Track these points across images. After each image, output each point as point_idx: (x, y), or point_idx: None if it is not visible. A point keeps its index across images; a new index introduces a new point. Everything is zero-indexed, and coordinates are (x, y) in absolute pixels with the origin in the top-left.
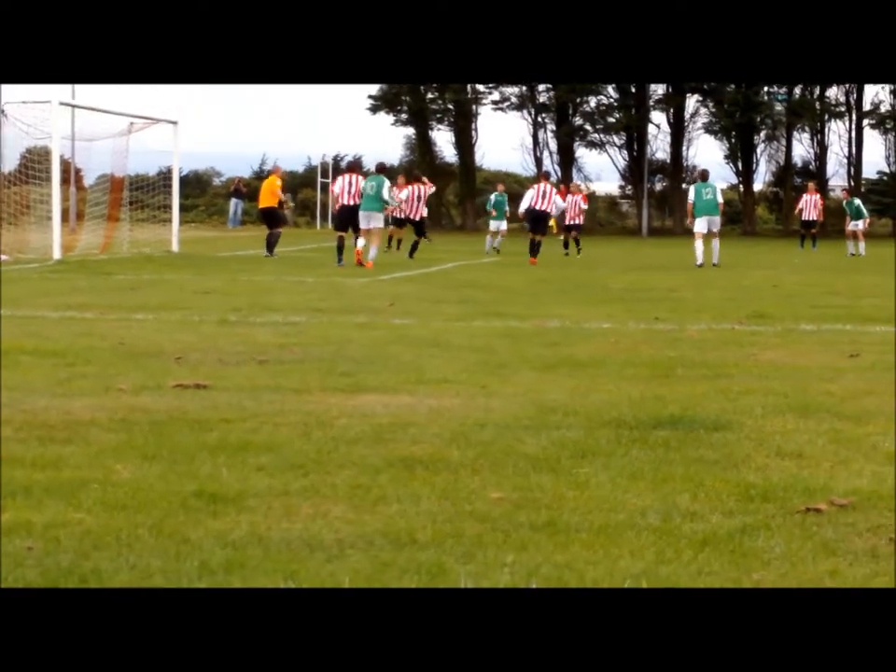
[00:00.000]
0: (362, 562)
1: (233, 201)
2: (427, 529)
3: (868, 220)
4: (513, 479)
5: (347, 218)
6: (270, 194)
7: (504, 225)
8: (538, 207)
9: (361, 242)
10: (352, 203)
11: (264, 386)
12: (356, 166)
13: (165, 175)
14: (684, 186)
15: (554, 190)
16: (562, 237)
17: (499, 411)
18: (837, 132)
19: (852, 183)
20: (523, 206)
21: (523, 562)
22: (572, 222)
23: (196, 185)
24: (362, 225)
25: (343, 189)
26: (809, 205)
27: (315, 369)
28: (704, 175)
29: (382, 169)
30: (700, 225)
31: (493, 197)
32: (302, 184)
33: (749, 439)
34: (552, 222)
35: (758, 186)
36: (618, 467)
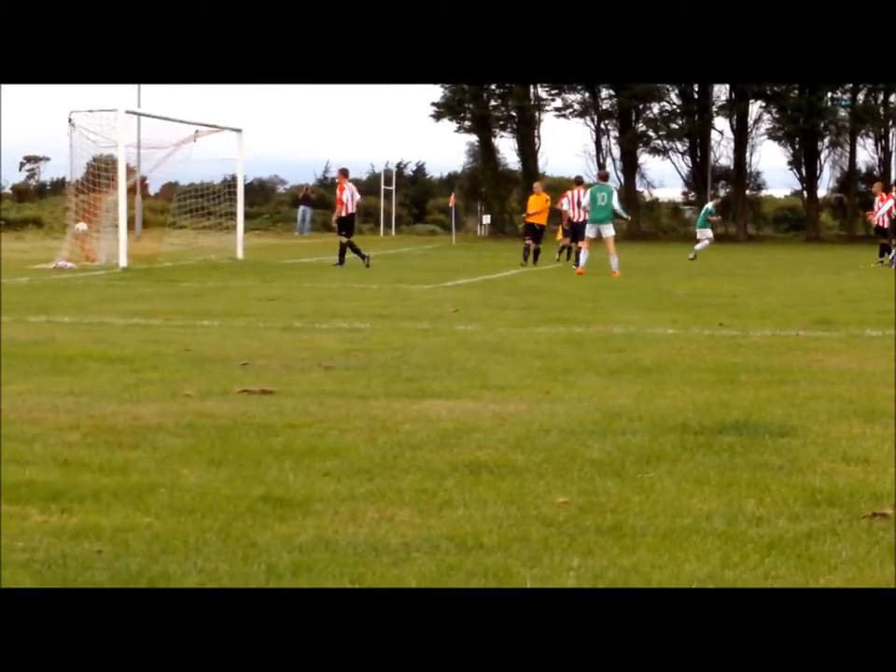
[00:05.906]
0: (428, 565)
1: (301, 208)
2: (492, 533)
3: None
4: (578, 483)
5: (350, 225)
6: (541, 209)
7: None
8: (574, 219)
9: (585, 255)
10: (353, 211)
11: (329, 392)
12: (345, 174)
13: (230, 183)
14: (748, 193)
15: (583, 192)
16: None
17: (564, 416)
18: None
19: None
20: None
21: (588, 566)
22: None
23: (260, 192)
24: (590, 234)
25: (348, 199)
26: None
27: (380, 374)
28: (604, 177)
29: (605, 177)
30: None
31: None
32: (366, 191)
33: (815, 444)
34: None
35: (822, 192)
36: (683, 471)
